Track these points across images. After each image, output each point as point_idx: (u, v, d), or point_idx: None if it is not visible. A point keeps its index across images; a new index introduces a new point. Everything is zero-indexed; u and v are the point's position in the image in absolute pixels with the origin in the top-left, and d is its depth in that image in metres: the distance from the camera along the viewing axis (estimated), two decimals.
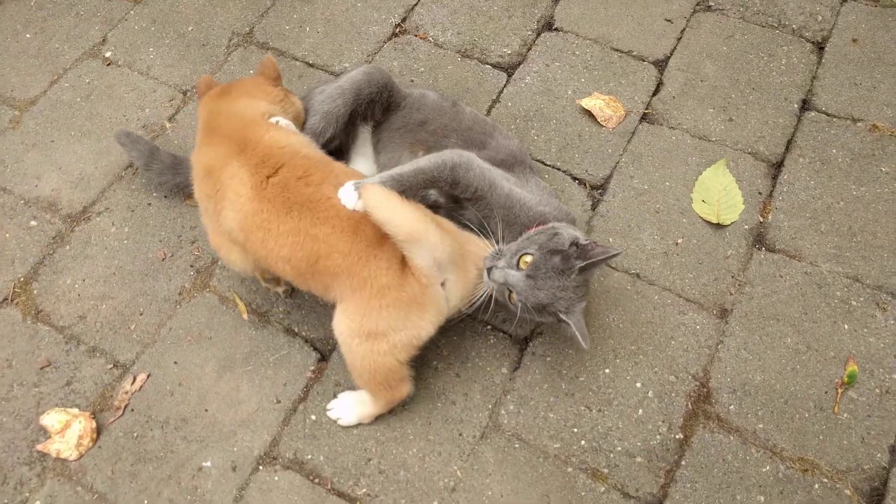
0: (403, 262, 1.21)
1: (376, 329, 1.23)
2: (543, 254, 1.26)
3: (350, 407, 1.38)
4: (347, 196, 1.21)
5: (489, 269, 1.29)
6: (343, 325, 1.26)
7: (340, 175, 1.28)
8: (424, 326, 1.24)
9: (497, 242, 1.34)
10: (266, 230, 1.26)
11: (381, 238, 1.21)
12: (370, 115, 1.53)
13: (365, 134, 1.56)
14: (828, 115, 1.80)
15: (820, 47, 1.93)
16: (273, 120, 1.36)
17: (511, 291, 1.27)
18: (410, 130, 1.51)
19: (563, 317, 1.26)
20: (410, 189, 1.28)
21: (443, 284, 1.24)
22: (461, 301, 1.30)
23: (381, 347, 1.24)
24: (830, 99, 1.83)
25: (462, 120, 1.54)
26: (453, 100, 1.60)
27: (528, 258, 1.26)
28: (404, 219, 1.14)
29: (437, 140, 1.50)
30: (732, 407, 1.41)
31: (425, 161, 1.31)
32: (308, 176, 1.26)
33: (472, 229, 1.39)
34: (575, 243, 1.27)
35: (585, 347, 1.26)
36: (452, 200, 1.41)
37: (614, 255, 1.25)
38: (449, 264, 1.22)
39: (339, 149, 1.55)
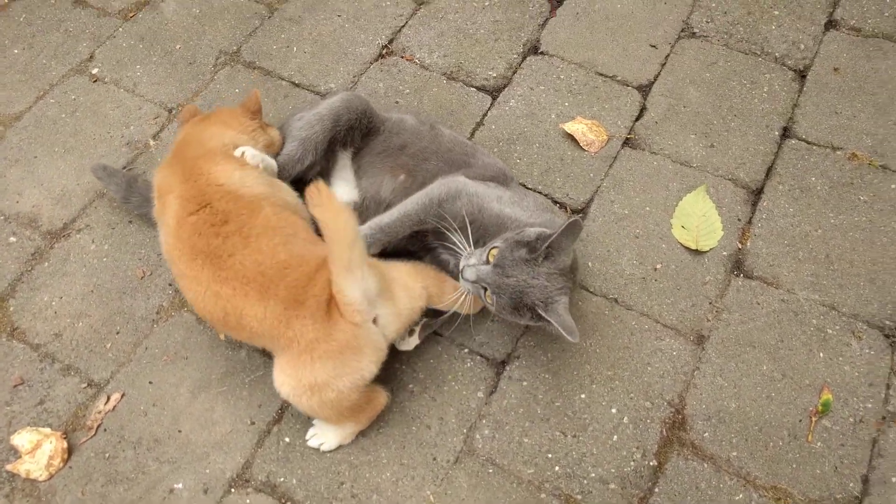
0: (328, 309, 1.17)
1: (316, 382, 1.20)
2: (510, 244, 1.27)
3: (329, 432, 1.37)
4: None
5: (462, 269, 1.29)
6: (284, 384, 1.23)
7: (268, 220, 1.25)
8: (365, 367, 1.22)
9: (469, 246, 1.34)
10: (178, 269, 1.26)
11: (298, 294, 1.17)
12: (350, 141, 1.54)
13: (345, 159, 1.57)
14: (808, 142, 1.82)
15: (802, 75, 1.95)
16: (238, 151, 1.37)
17: (486, 289, 1.28)
18: (391, 155, 1.52)
19: (541, 312, 1.24)
20: (398, 236, 1.31)
21: (375, 321, 1.22)
22: (398, 332, 1.30)
23: (328, 396, 1.21)
24: (811, 127, 1.84)
25: (441, 142, 1.55)
26: (431, 123, 1.61)
27: (496, 251, 1.27)
28: (348, 244, 1.10)
29: (418, 163, 1.51)
30: (707, 434, 1.41)
31: (411, 204, 1.33)
32: (223, 224, 1.23)
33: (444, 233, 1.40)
34: (541, 236, 1.27)
35: (573, 341, 1.22)
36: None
37: (572, 228, 1.22)
38: (378, 297, 1.21)
39: (319, 174, 1.55)
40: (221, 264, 1.20)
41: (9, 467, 1.35)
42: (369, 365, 1.22)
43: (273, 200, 1.32)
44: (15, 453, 1.37)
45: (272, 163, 1.45)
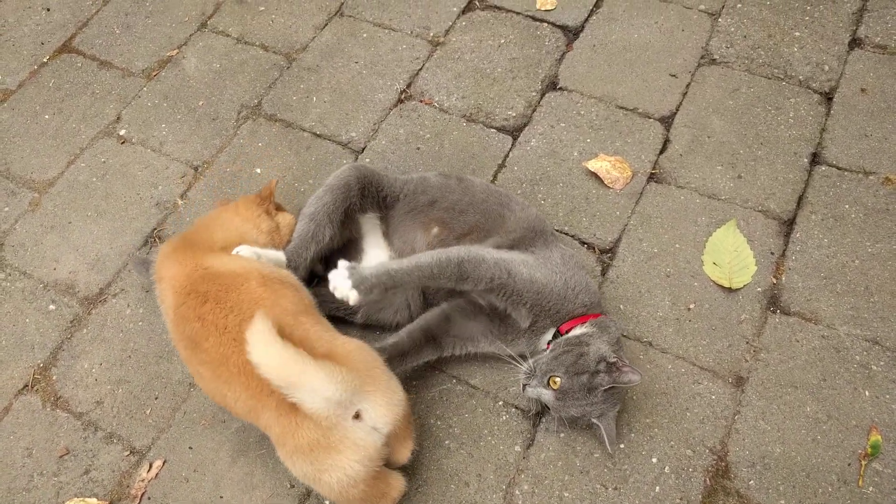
0: (295, 407, 1.13)
1: (303, 474, 1.18)
2: (570, 377, 1.30)
3: None
4: (341, 281, 1.26)
5: (524, 386, 1.35)
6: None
7: (249, 293, 1.24)
8: (348, 466, 1.14)
9: (526, 361, 1.37)
10: (181, 356, 1.33)
11: (264, 386, 1.14)
12: (368, 207, 1.54)
13: (372, 224, 1.57)
14: (839, 168, 1.78)
15: (828, 98, 1.91)
16: (235, 251, 1.38)
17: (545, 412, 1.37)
18: (421, 212, 1.53)
19: (595, 421, 1.34)
20: (406, 286, 1.29)
21: (358, 415, 1.16)
22: (395, 421, 1.19)
23: (324, 489, 1.18)
24: (841, 152, 1.81)
25: (474, 193, 1.55)
26: (458, 175, 1.61)
27: (557, 380, 1.31)
28: (275, 363, 1.08)
29: (453, 216, 1.51)
30: (752, 482, 1.38)
31: (426, 257, 1.32)
32: (202, 305, 1.24)
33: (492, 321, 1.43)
34: (603, 360, 1.31)
35: (610, 452, 1.35)
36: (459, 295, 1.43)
37: (635, 382, 1.30)
38: (355, 394, 1.13)
39: (346, 246, 1.56)
40: (200, 347, 1.23)
41: None
42: (353, 464, 1.14)
43: (262, 272, 1.31)
44: None
45: (275, 255, 1.43)
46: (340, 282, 1.26)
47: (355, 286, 1.26)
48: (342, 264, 1.29)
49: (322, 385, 1.09)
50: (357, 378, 1.14)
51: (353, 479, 1.16)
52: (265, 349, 1.09)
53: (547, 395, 1.32)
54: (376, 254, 1.55)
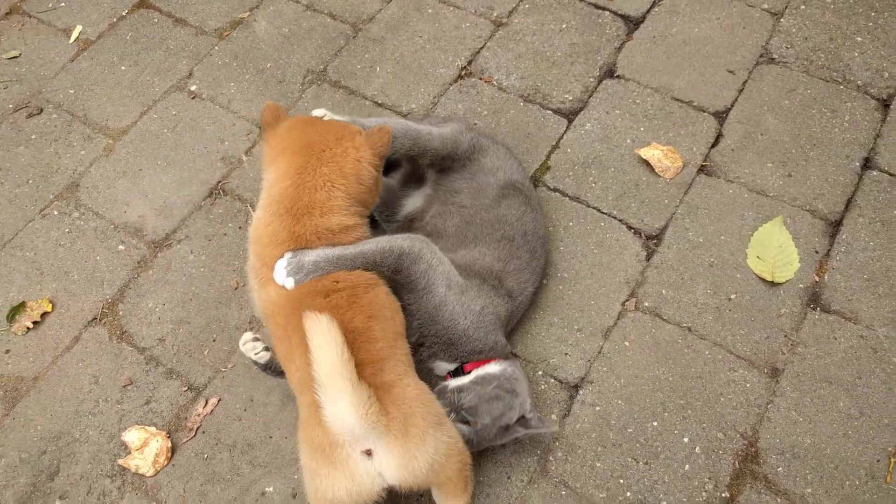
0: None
1: (303, 464, 1.18)
2: (492, 422, 1.35)
3: None
4: (279, 271, 1.24)
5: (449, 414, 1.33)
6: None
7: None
8: (337, 487, 1.11)
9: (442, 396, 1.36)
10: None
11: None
12: (441, 165, 1.60)
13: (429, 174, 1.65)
14: (891, 175, 1.80)
15: (885, 105, 1.92)
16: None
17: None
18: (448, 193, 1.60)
19: (522, 432, 1.39)
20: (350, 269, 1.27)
21: (370, 453, 1.12)
22: (407, 481, 1.14)
23: (309, 490, 1.18)
24: (894, 158, 1.82)
25: (492, 217, 1.56)
26: (525, 199, 1.60)
27: (478, 423, 1.35)
28: (319, 357, 1.05)
29: (472, 223, 1.55)
30: (781, 469, 1.43)
31: (372, 244, 1.30)
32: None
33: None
34: (523, 416, 1.38)
35: (554, 430, 1.46)
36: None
37: (549, 432, 1.42)
38: (372, 434, 1.09)
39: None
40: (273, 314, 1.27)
41: (121, 461, 1.48)
42: (340, 487, 1.11)
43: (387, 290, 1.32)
44: (125, 449, 1.50)
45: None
46: (278, 271, 1.25)
47: (291, 275, 1.24)
48: (287, 254, 1.26)
49: (343, 405, 1.06)
50: (386, 422, 1.10)
51: (335, 500, 1.13)
52: (321, 339, 1.07)
53: (464, 430, 1.33)
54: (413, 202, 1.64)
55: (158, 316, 1.69)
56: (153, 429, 1.52)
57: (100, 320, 1.68)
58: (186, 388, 1.59)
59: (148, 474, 1.47)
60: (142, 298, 1.71)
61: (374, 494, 1.14)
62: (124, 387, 1.59)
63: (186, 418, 1.55)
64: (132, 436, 1.50)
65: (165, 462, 1.48)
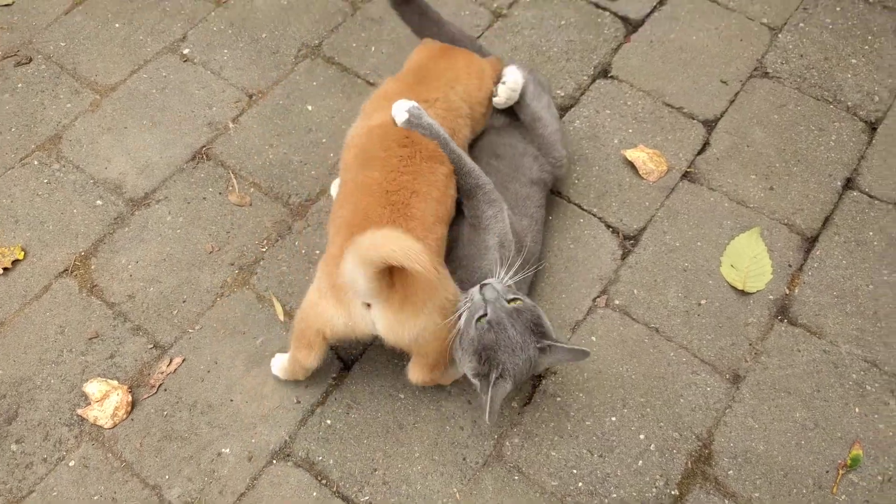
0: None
1: (317, 276, 1.34)
2: (531, 309, 1.32)
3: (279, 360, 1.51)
4: (401, 105, 1.42)
5: (483, 286, 1.32)
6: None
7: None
8: (336, 316, 1.29)
9: (501, 270, 1.39)
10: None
11: (358, 219, 1.29)
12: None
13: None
14: (870, 196, 1.81)
15: (872, 128, 1.94)
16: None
17: (482, 316, 1.29)
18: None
19: (492, 377, 1.28)
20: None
21: (369, 306, 1.27)
22: (393, 337, 1.29)
23: (311, 291, 1.35)
24: (875, 181, 1.84)
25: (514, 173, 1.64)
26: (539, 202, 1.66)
27: (519, 303, 1.31)
28: (379, 244, 1.13)
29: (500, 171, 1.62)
30: (731, 472, 1.44)
31: (469, 159, 1.47)
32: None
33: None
34: (548, 334, 1.33)
35: (487, 423, 1.33)
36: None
37: (581, 354, 1.30)
38: (373, 298, 1.23)
39: None
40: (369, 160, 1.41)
41: (80, 412, 1.48)
42: (337, 321, 1.30)
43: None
44: (86, 399, 1.50)
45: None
46: (400, 104, 1.43)
47: (409, 114, 1.42)
48: (415, 103, 1.45)
49: (360, 273, 1.16)
50: (387, 294, 1.23)
51: (332, 324, 1.31)
52: (390, 235, 1.14)
53: (502, 304, 1.29)
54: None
55: (130, 273, 1.68)
56: (115, 382, 1.52)
57: (71, 272, 1.68)
58: (152, 346, 1.58)
59: (106, 426, 1.47)
60: (115, 254, 1.71)
61: (365, 336, 1.33)
62: (90, 339, 1.59)
63: (149, 375, 1.55)
64: (93, 387, 1.50)
65: (125, 416, 1.48)
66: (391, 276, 1.21)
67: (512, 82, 1.63)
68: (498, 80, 1.65)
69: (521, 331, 1.29)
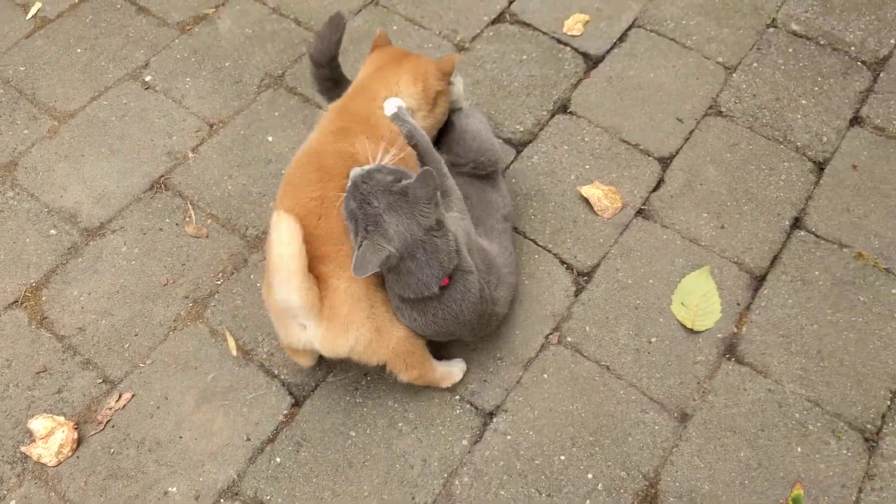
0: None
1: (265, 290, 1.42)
2: (393, 175, 1.33)
3: None
4: (394, 101, 1.50)
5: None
6: None
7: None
8: (288, 336, 1.38)
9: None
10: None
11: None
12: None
13: None
14: (817, 236, 1.87)
15: (820, 168, 1.99)
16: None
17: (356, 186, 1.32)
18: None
19: (358, 238, 1.29)
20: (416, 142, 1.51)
21: (305, 327, 1.34)
22: (332, 352, 1.36)
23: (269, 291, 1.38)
24: (821, 221, 1.89)
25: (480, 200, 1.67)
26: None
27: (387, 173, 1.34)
28: (277, 251, 1.23)
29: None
30: None
31: (439, 159, 1.53)
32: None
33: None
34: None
35: (352, 272, 1.27)
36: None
37: (425, 178, 1.29)
38: (305, 315, 1.30)
39: None
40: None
41: (23, 449, 1.46)
42: (291, 338, 1.38)
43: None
44: (30, 436, 1.48)
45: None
46: (392, 101, 1.51)
47: (397, 111, 1.50)
48: (402, 102, 1.52)
49: (289, 290, 1.25)
50: (318, 309, 1.30)
51: (291, 343, 1.39)
52: (285, 234, 1.23)
53: (368, 167, 1.35)
54: None
55: (82, 305, 1.67)
56: (62, 418, 1.50)
57: (21, 304, 1.66)
58: (101, 381, 1.57)
59: (50, 464, 1.45)
60: (67, 285, 1.69)
61: (315, 353, 1.43)
62: (38, 373, 1.57)
63: (97, 411, 1.53)
64: (39, 424, 1.48)
65: (70, 453, 1.47)
66: (320, 295, 1.29)
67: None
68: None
69: (378, 190, 1.29)
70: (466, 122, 1.68)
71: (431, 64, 1.59)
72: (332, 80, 1.70)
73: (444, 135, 1.70)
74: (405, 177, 1.33)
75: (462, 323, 1.43)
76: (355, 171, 1.34)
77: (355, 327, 1.34)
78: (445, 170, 1.53)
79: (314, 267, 1.30)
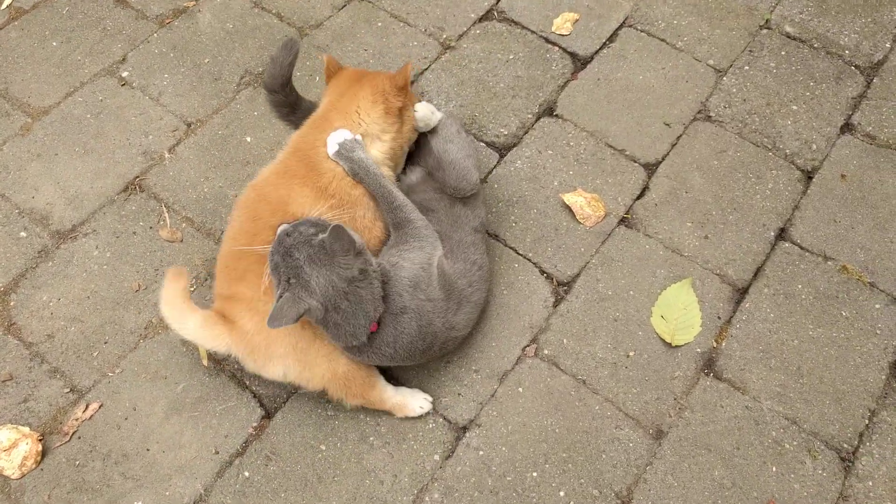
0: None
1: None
2: (314, 228, 1.33)
3: None
4: (336, 138, 1.46)
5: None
6: None
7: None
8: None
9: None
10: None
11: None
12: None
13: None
14: (801, 248, 1.83)
15: (808, 177, 1.96)
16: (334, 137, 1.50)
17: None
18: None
19: (283, 283, 1.28)
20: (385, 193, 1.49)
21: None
22: (268, 378, 1.44)
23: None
24: (807, 232, 1.86)
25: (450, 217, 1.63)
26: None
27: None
28: (165, 312, 1.39)
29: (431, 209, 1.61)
30: None
31: (401, 194, 1.51)
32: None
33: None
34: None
35: (267, 324, 1.27)
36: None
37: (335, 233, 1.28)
38: (228, 348, 1.40)
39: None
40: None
41: None
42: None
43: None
44: None
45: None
46: (335, 138, 1.47)
47: (341, 150, 1.46)
48: (350, 136, 1.48)
49: (183, 328, 1.39)
50: (229, 341, 1.38)
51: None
52: (171, 281, 1.39)
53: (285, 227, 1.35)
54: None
55: (51, 311, 1.64)
56: (26, 429, 1.48)
57: None
58: (69, 390, 1.55)
59: (13, 476, 1.43)
60: (37, 290, 1.66)
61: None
62: (3, 382, 1.55)
63: (63, 421, 1.51)
64: (2, 435, 1.46)
65: (33, 465, 1.45)
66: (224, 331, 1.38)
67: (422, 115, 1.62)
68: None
69: (300, 243, 1.29)
70: (445, 150, 1.62)
71: (386, 80, 1.52)
72: (289, 106, 1.66)
73: (423, 157, 1.66)
74: (326, 229, 1.31)
75: (405, 358, 1.43)
76: (282, 228, 1.34)
77: (279, 357, 1.38)
78: (400, 202, 1.49)
79: (229, 307, 1.38)
